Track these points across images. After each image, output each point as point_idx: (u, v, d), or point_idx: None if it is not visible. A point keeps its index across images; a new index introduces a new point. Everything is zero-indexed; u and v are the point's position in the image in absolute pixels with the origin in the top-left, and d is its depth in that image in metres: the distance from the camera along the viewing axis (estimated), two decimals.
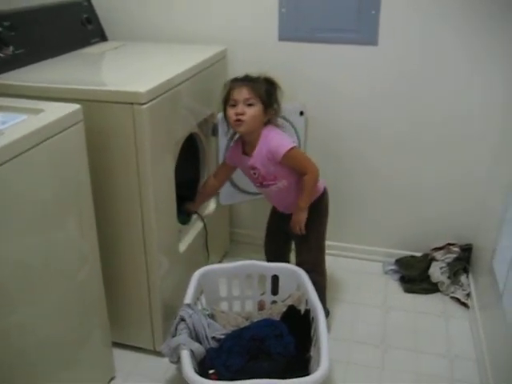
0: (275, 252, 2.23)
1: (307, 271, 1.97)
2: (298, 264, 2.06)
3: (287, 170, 1.95)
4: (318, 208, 2.03)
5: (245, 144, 2.00)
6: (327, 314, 2.08)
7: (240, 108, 1.88)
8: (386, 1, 2.16)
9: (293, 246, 2.20)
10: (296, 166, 1.95)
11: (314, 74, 2.36)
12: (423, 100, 2.29)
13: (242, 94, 1.89)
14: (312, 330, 1.79)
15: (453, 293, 2.34)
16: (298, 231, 2.01)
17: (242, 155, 2.00)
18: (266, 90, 1.92)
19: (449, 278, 2.36)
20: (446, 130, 2.32)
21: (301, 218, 1.98)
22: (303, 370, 1.69)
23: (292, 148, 1.90)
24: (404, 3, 2.16)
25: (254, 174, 1.98)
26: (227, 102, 1.93)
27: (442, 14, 2.14)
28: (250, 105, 1.89)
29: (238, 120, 1.89)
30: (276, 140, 1.92)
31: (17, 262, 1.34)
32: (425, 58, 2.22)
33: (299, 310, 1.89)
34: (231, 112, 1.90)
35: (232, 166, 2.12)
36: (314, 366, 1.67)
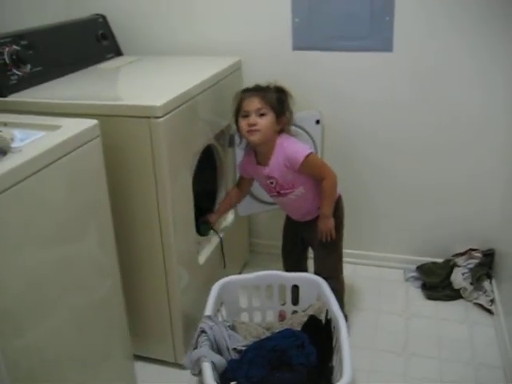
0: (293, 261, 2.22)
1: (325, 278, 1.96)
2: (316, 271, 2.06)
3: (304, 177, 1.94)
4: (335, 215, 2.02)
5: (258, 154, 1.99)
6: (345, 319, 2.07)
7: (252, 119, 1.87)
8: (400, 6, 2.16)
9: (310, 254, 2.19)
10: (314, 172, 1.93)
11: (329, 82, 2.36)
12: (440, 104, 2.27)
13: (254, 104, 1.87)
14: (334, 340, 1.77)
15: (476, 299, 2.31)
16: (326, 238, 1.99)
17: (256, 165, 1.99)
18: (277, 99, 1.91)
19: (471, 283, 2.33)
20: (466, 133, 2.30)
21: (329, 225, 1.97)
22: (326, 380, 1.68)
23: (309, 154, 1.89)
24: (418, 9, 2.15)
25: (271, 183, 1.97)
26: (238, 113, 1.92)
27: (454, 21, 2.14)
28: (262, 115, 1.87)
29: (251, 130, 1.87)
30: (292, 147, 1.91)
31: (37, 279, 1.34)
32: (439, 65, 2.20)
33: (320, 320, 1.88)
34: (243, 123, 1.89)
35: (249, 178, 2.11)
36: (336, 376, 1.65)
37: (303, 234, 2.12)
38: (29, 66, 1.92)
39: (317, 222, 2.01)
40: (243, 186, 2.16)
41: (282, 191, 1.98)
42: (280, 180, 1.94)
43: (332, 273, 2.06)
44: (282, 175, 1.93)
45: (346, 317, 2.05)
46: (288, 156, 1.90)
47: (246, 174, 2.09)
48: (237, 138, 2.06)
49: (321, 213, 1.97)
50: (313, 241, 2.09)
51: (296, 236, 2.16)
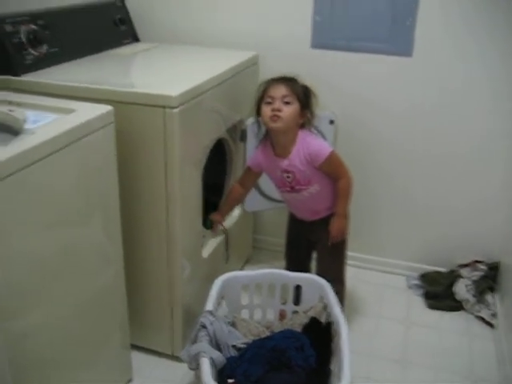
0: (297, 260, 2.20)
1: (328, 280, 1.94)
2: (320, 273, 2.03)
3: (321, 175, 1.92)
4: None
5: (276, 146, 1.94)
6: None
7: (277, 104, 1.83)
8: (423, 11, 2.13)
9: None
10: (333, 171, 1.92)
11: (345, 83, 2.34)
12: (455, 116, 2.26)
13: (280, 90, 1.84)
14: (333, 344, 1.76)
15: (478, 312, 2.29)
16: (338, 239, 1.98)
17: (274, 157, 1.94)
18: (303, 91, 1.89)
19: (474, 296, 2.31)
20: (476, 147, 2.28)
21: (343, 225, 1.97)
22: (323, 383, 1.67)
23: (332, 152, 1.88)
24: (441, 16, 2.13)
25: (288, 177, 1.94)
26: (261, 100, 1.88)
27: (477, 35, 2.12)
28: (286, 103, 1.84)
29: (275, 116, 1.83)
30: (316, 143, 1.90)
31: (40, 262, 1.34)
32: (458, 74, 2.19)
33: (321, 323, 1.86)
34: (266, 109, 1.85)
35: (257, 171, 2.06)
36: (334, 380, 1.64)
37: (308, 234, 2.09)
38: (45, 47, 1.90)
39: (323, 222, 2.00)
40: (247, 181, 2.10)
41: (297, 186, 1.95)
42: (298, 174, 1.91)
43: (335, 275, 2.05)
44: (302, 170, 1.90)
45: None
46: (311, 151, 1.87)
47: (257, 166, 2.03)
48: (255, 129, 2.02)
49: (337, 212, 1.95)
50: (318, 242, 2.07)
51: (300, 237, 2.13)
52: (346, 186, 1.93)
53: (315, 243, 2.10)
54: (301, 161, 1.89)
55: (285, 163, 1.92)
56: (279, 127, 1.85)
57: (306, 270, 2.16)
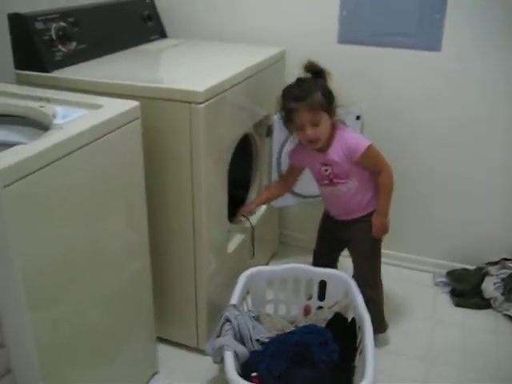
0: (326, 255, 2.17)
1: (364, 285, 1.92)
2: (356, 277, 1.99)
3: (360, 169, 1.91)
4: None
5: None
6: (386, 327, 2.08)
7: (309, 132, 1.82)
8: (453, 5, 2.10)
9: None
10: (372, 165, 1.90)
11: (372, 78, 2.32)
12: (487, 109, 2.23)
13: (305, 117, 1.82)
14: (358, 340, 1.76)
15: (506, 310, 2.26)
16: (379, 236, 1.97)
17: (314, 151, 1.93)
18: (322, 94, 1.84)
19: (503, 294, 2.27)
20: (507, 143, 2.25)
21: (384, 223, 1.94)
22: (347, 379, 1.67)
23: (370, 145, 1.87)
24: (471, 8, 2.10)
25: (326, 170, 1.93)
26: (289, 121, 1.88)
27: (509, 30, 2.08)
28: (315, 124, 1.83)
29: (311, 141, 1.85)
30: (353, 138, 1.89)
31: (69, 252, 1.36)
32: (488, 68, 2.16)
33: (346, 318, 1.86)
34: (301, 135, 1.87)
35: (299, 167, 2.07)
36: (358, 376, 1.64)
37: (339, 233, 2.06)
38: (74, 44, 1.94)
39: (355, 223, 1.99)
40: (290, 177, 2.12)
41: (334, 180, 1.94)
42: (336, 169, 1.91)
43: (371, 280, 2.01)
44: (340, 164, 1.89)
45: (386, 326, 2.08)
46: (349, 146, 1.87)
47: (298, 161, 2.04)
48: (281, 123, 2.00)
49: (378, 209, 1.94)
50: (349, 242, 2.05)
51: (331, 234, 2.11)
52: (388, 180, 1.91)
53: (347, 242, 2.08)
54: (339, 156, 1.88)
55: (323, 157, 1.91)
56: (319, 146, 1.88)
57: (332, 267, 2.14)
